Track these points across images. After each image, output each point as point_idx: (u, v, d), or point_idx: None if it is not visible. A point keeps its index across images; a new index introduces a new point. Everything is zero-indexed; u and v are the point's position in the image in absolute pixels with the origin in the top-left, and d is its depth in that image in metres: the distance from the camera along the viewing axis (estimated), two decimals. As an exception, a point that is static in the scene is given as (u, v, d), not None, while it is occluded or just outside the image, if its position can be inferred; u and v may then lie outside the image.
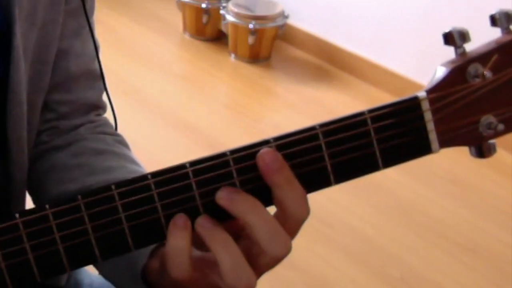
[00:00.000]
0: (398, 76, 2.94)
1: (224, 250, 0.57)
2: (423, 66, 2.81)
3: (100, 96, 0.87)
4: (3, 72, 0.71)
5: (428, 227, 2.27)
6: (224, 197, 0.58)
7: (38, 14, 0.73)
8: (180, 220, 0.58)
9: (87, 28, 0.81)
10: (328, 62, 3.17)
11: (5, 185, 0.76)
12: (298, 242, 2.34)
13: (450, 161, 2.48)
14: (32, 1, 0.71)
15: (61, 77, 0.80)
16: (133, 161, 0.80)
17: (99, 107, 0.87)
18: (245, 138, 2.62)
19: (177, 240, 0.58)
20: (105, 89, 0.87)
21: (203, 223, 0.58)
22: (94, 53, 0.83)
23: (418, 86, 2.80)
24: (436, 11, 2.77)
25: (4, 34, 0.70)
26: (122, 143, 0.85)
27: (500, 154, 2.69)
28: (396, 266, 2.10)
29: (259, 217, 0.57)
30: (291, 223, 0.59)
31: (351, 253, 2.13)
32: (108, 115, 0.90)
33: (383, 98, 2.94)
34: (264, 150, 0.58)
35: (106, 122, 0.88)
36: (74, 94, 0.82)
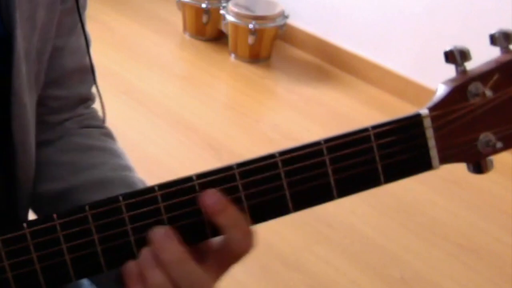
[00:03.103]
0: (398, 76, 2.94)
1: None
2: (423, 66, 2.81)
3: (91, 88, 0.88)
4: (6, 76, 0.71)
5: (428, 228, 2.27)
6: (155, 239, 0.59)
7: (38, 16, 0.73)
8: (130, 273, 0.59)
9: (80, 24, 0.82)
10: (328, 62, 3.17)
11: (11, 187, 0.77)
12: (298, 242, 2.33)
13: (450, 161, 2.47)
14: (32, 3, 0.72)
15: (55, 74, 0.81)
16: (115, 154, 0.82)
17: (89, 99, 0.88)
18: (245, 138, 2.63)
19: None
20: (95, 82, 0.88)
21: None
22: (86, 48, 0.84)
23: (418, 86, 2.80)
24: (436, 11, 2.77)
25: (5, 38, 0.70)
26: (107, 135, 0.86)
27: (500, 154, 2.69)
28: (396, 266, 2.10)
29: (181, 270, 0.59)
30: (233, 256, 0.60)
31: (351, 253, 2.13)
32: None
33: (383, 98, 2.94)
34: (205, 192, 0.59)
35: (93, 115, 0.88)
36: (67, 89, 0.83)
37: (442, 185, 2.46)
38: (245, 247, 0.60)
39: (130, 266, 0.59)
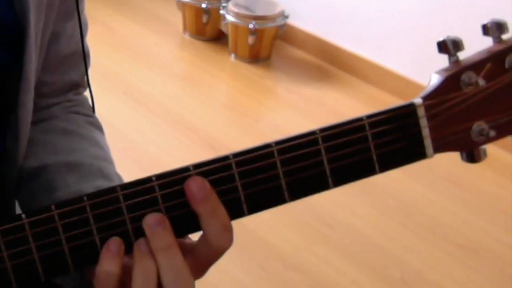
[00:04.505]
0: (398, 76, 2.95)
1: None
2: (423, 66, 2.80)
3: (83, 75, 0.88)
4: (19, 63, 0.72)
5: (428, 228, 2.27)
6: (149, 224, 0.59)
7: (44, 1, 0.73)
8: (114, 246, 0.59)
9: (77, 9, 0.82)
10: (328, 62, 3.17)
11: (8, 171, 0.77)
12: (298, 242, 2.33)
13: (450, 162, 2.47)
14: None
15: (50, 59, 0.81)
16: (97, 144, 0.81)
17: (80, 86, 0.88)
18: (245, 138, 2.63)
19: (109, 265, 0.59)
20: (86, 69, 0.87)
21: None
22: (83, 34, 0.84)
23: (418, 86, 2.80)
24: (436, 11, 2.77)
25: (18, 28, 0.71)
26: (94, 124, 0.86)
27: (500, 154, 2.70)
28: (396, 266, 2.10)
29: (168, 260, 0.59)
30: (211, 252, 0.60)
31: (351, 253, 2.13)
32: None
33: (383, 98, 2.94)
34: (191, 178, 0.59)
35: (82, 102, 0.88)
36: (59, 74, 0.83)
37: (442, 185, 2.46)
38: (223, 241, 0.59)
39: (114, 241, 0.59)
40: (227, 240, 0.60)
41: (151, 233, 0.58)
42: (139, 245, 0.59)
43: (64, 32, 0.81)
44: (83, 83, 0.88)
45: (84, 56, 0.85)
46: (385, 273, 2.08)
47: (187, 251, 0.61)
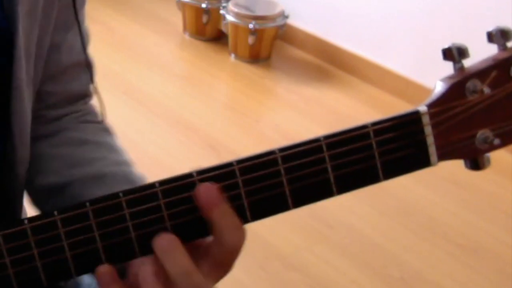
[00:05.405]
0: (398, 76, 2.94)
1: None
2: (423, 66, 2.81)
3: (88, 84, 0.88)
4: (7, 70, 0.72)
5: (428, 228, 2.27)
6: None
7: (38, 10, 0.73)
8: (106, 277, 0.59)
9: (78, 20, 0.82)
10: (328, 62, 3.17)
11: (9, 181, 0.77)
12: (298, 242, 2.33)
13: (451, 162, 2.47)
14: None
15: (52, 70, 0.81)
16: (113, 150, 0.81)
17: (86, 96, 0.88)
18: (245, 138, 2.63)
19: None
20: (92, 78, 0.87)
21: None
22: (84, 44, 0.84)
23: (418, 86, 2.80)
24: (436, 11, 2.77)
25: (7, 32, 0.71)
26: (106, 130, 0.86)
27: (500, 154, 2.69)
28: (396, 266, 2.10)
29: (173, 261, 0.58)
30: (227, 253, 0.60)
31: (351, 253, 2.13)
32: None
33: (383, 98, 2.94)
34: (201, 185, 0.59)
35: (91, 111, 0.88)
36: (64, 85, 0.83)
37: (442, 185, 2.46)
38: (237, 240, 0.59)
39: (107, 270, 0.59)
40: (240, 240, 0.60)
41: (164, 259, 0.58)
42: (145, 278, 0.59)
43: (64, 43, 0.81)
44: (88, 92, 0.88)
45: (90, 66, 0.85)
46: (384, 273, 2.08)
47: (202, 255, 0.60)
